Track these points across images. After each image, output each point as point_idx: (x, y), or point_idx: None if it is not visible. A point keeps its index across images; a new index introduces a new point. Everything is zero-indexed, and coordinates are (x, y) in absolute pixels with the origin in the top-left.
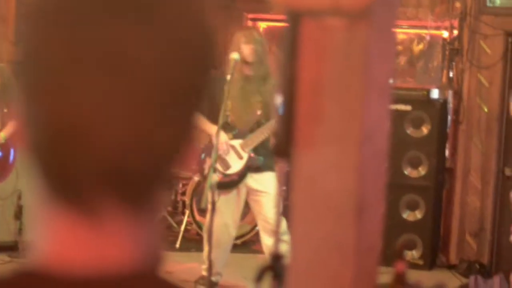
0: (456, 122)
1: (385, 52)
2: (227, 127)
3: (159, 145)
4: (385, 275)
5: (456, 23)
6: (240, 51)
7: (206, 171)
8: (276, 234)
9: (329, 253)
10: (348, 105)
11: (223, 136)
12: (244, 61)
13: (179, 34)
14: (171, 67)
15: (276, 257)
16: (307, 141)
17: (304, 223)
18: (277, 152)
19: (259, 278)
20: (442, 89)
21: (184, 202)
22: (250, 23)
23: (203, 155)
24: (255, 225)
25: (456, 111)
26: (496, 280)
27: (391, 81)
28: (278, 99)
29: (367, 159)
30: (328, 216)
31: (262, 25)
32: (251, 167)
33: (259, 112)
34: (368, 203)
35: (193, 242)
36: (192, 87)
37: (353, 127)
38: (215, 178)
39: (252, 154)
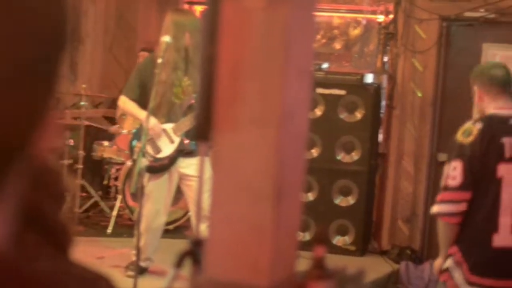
0: (390, 107)
1: (305, 34)
2: (159, 111)
3: (2, 124)
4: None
5: (391, 7)
6: (173, 34)
7: (135, 156)
8: (197, 219)
9: (247, 236)
10: (268, 87)
11: (154, 120)
12: (176, 44)
13: (25, 3)
14: (14, 38)
15: (196, 242)
16: (227, 123)
17: (223, 206)
18: (197, 135)
19: (179, 263)
20: (376, 74)
21: (116, 187)
22: (185, 6)
23: (134, 140)
24: (188, 211)
25: (390, 96)
26: (427, 266)
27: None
28: (198, 81)
29: (287, 141)
30: (247, 199)
31: (198, 8)
32: (182, 152)
33: (191, 96)
34: (288, 185)
35: (125, 227)
36: (42, 61)
37: (272, 108)
38: (144, 162)
39: (184, 139)
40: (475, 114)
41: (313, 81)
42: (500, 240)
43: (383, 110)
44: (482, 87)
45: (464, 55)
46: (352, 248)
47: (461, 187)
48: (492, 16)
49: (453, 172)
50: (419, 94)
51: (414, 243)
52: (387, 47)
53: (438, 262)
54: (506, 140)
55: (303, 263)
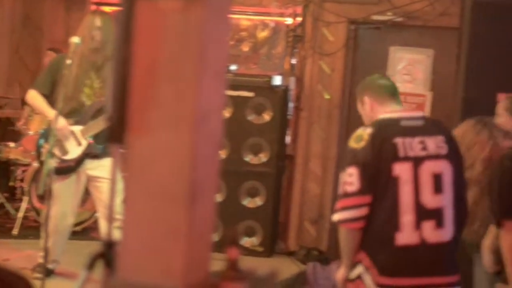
0: (298, 109)
1: (220, 36)
2: (68, 112)
3: None
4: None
5: (299, 10)
6: (83, 36)
7: (43, 157)
8: (109, 220)
9: (161, 238)
10: (183, 89)
11: (63, 121)
12: (86, 46)
13: None
14: None
15: (108, 244)
16: (141, 125)
17: (136, 208)
18: (111, 137)
19: (90, 265)
20: (284, 76)
21: (22, 189)
22: (93, 7)
23: (41, 140)
24: (95, 212)
25: (298, 98)
26: (334, 266)
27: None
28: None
29: (201, 144)
30: (161, 201)
31: (106, 9)
32: (89, 154)
33: (101, 99)
34: (202, 188)
35: (31, 229)
36: None
37: (187, 111)
38: (52, 163)
39: (92, 141)
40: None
41: (227, 83)
42: (403, 238)
43: (291, 112)
44: (373, 96)
45: (371, 58)
46: (260, 249)
47: (360, 192)
48: (399, 19)
49: (350, 178)
50: (327, 97)
51: (321, 244)
52: (295, 49)
53: (341, 273)
54: (398, 140)
55: (214, 264)
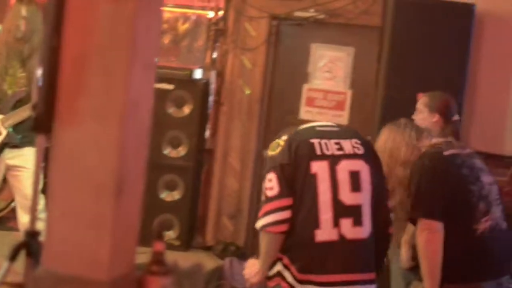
0: (218, 103)
1: (152, 28)
2: None
3: None
4: (142, 255)
5: (222, 3)
6: (8, 25)
7: None
8: (32, 211)
9: (87, 230)
10: (112, 80)
11: None
12: (11, 35)
13: None
14: None
15: (31, 235)
16: (69, 115)
17: (62, 200)
18: (36, 127)
19: (13, 255)
20: (205, 70)
21: None
22: None
23: None
24: (12, 201)
25: (218, 92)
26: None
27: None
28: (39, 72)
29: (130, 136)
30: (87, 193)
31: None
32: (9, 144)
33: (23, 89)
34: (128, 180)
35: None
36: None
37: (116, 102)
38: None
39: (11, 131)
40: None
41: (156, 75)
42: (322, 235)
43: (210, 106)
44: None
45: (292, 54)
46: (177, 243)
47: (281, 195)
48: (322, 16)
49: (270, 184)
50: (247, 92)
51: (238, 239)
52: (216, 43)
53: (256, 272)
54: (315, 141)
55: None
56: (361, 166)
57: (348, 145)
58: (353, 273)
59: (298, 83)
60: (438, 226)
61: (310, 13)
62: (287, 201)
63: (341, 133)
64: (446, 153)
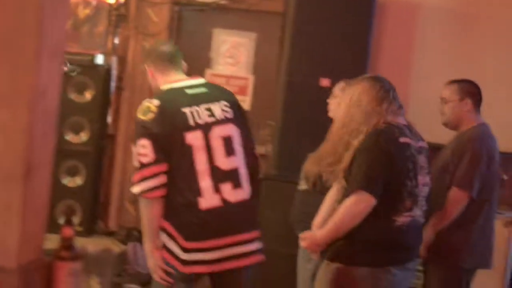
0: (120, 88)
1: (58, 14)
2: None
3: None
4: (49, 241)
5: None
6: None
7: None
8: None
9: None
10: (19, 67)
11: None
12: None
13: None
14: None
15: None
16: None
17: None
18: None
19: None
20: (107, 55)
21: None
22: None
23: None
24: None
25: (120, 78)
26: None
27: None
28: None
29: (37, 121)
30: None
31: None
32: None
33: None
34: (36, 165)
35: None
36: None
37: (24, 88)
38: None
39: None
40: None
41: (64, 61)
42: (206, 202)
43: (112, 91)
44: (153, 65)
45: (195, 40)
46: (80, 229)
47: (156, 161)
48: (223, 2)
49: (144, 150)
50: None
51: (141, 224)
52: (118, 29)
53: (148, 247)
54: (186, 110)
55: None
56: (232, 130)
57: (218, 110)
58: (240, 234)
59: (201, 68)
60: (373, 203)
61: None
62: (162, 167)
63: (211, 95)
64: (401, 140)
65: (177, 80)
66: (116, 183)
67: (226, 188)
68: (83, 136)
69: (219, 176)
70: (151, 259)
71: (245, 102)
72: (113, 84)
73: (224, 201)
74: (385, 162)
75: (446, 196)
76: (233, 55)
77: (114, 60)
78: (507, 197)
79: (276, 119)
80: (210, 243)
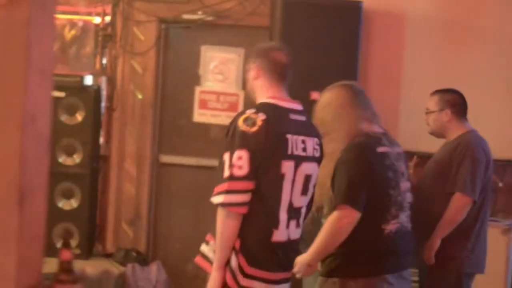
0: (110, 109)
1: (46, 34)
2: None
3: None
4: (47, 265)
5: (109, 9)
6: None
7: None
8: None
9: None
10: (7, 88)
11: None
12: None
13: None
14: None
15: None
16: None
17: None
18: None
19: None
20: (95, 76)
21: None
22: None
23: None
24: None
25: (110, 98)
26: (154, 267)
27: (52, 65)
28: None
29: (29, 145)
30: None
31: None
32: None
33: None
34: (31, 190)
35: None
36: None
37: (14, 112)
38: None
39: None
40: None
41: (53, 82)
42: (278, 235)
43: (103, 112)
44: (263, 69)
45: (183, 57)
46: (77, 251)
47: (248, 177)
48: (210, 18)
49: (239, 162)
50: (139, 96)
51: (139, 245)
52: (105, 49)
53: (217, 265)
54: (289, 137)
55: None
56: (314, 170)
57: (311, 146)
58: (289, 272)
59: (190, 85)
60: (357, 217)
61: (199, 15)
62: (252, 185)
63: (308, 129)
64: (379, 150)
65: (282, 98)
66: (112, 204)
67: (292, 226)
68: (76, 158)
69: (291, 212)
70: (215, 276)
71: None
72: (103, 104)
73: (288, 237)
74: (367, 174)
75: (441, 202)
76: (222, 71)
77: (103, 80)
78: (503, 204)
79: None
80: (270, 275)
